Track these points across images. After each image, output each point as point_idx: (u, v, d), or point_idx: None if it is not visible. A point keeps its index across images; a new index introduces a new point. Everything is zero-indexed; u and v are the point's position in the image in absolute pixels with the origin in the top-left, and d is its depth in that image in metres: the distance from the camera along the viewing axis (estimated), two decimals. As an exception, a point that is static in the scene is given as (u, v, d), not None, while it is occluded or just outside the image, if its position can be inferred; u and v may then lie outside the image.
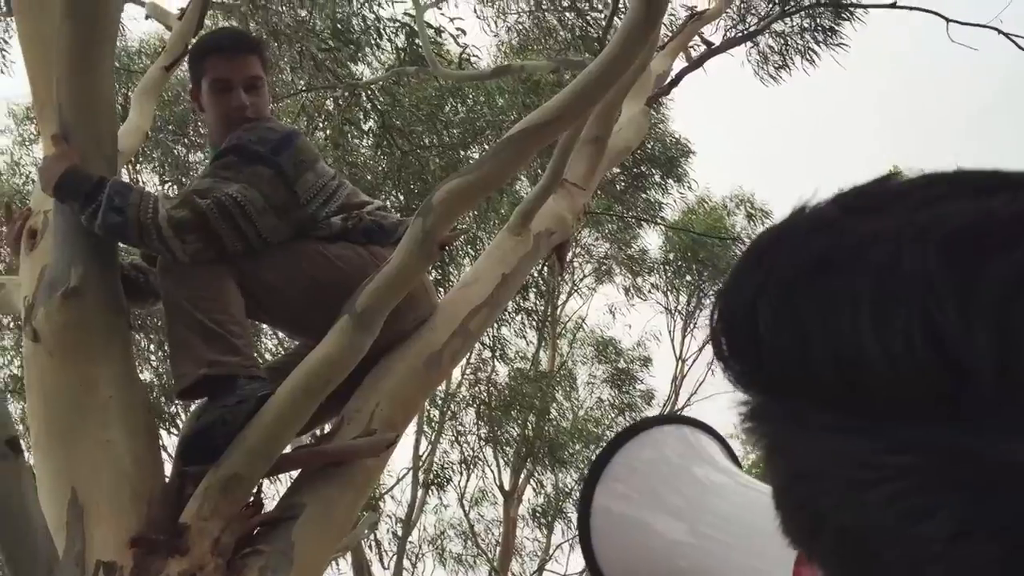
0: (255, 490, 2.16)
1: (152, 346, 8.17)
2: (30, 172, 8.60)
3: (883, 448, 0.36)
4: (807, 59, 7.33)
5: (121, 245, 2.35)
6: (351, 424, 2.30)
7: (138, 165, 7.75)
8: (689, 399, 12.71)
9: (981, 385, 0.34)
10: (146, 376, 8.12)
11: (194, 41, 3.26)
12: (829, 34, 7.21)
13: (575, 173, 3.25)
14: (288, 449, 2.23)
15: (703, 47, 5.43)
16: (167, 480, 2.13)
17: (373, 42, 5.69)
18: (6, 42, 7.32)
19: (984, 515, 0.34)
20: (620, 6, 5.38)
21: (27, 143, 9.50)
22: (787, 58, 7.37)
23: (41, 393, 2.15)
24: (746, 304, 0.40)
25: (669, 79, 4.42)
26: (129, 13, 7.37)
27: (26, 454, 1.81)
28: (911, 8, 6.01)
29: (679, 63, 4.87)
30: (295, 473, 2.33)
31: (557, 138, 2.63)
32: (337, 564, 10.53)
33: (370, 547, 10.60)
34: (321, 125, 6.34)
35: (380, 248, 2.36)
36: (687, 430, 0.74)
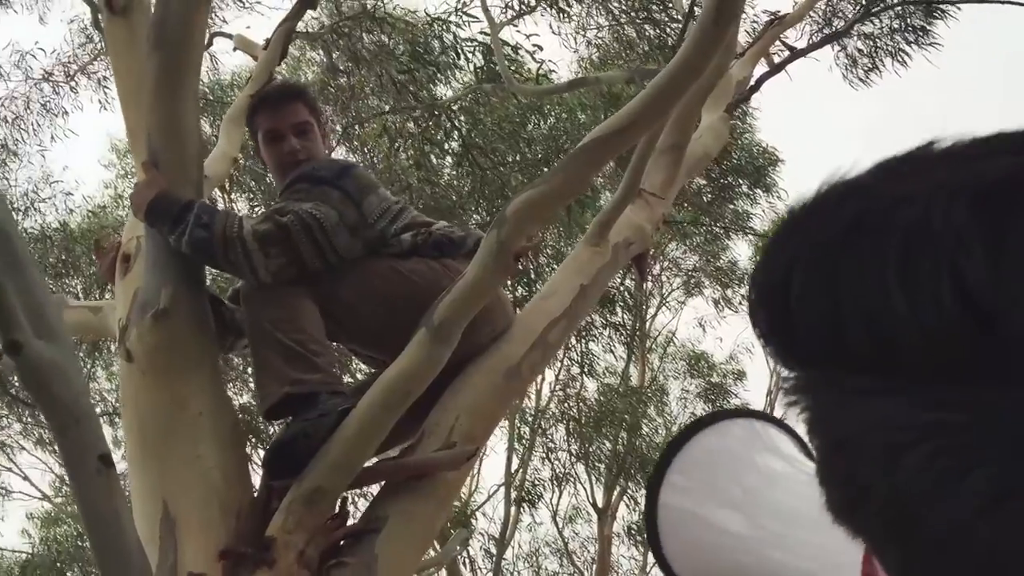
0: (339, 503, 2.20)
1: (249, 369, 8.41)
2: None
3: (919, 408, 0.35)
4: (898, 60, 7.10)
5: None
6: (431, 438, 2.31)
7: (232, 194, 8.01)
8: (786, 412, 12.39)
9: (1012, 338, 0.33)
10: (245, 398, 8.35)
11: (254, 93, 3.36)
12: (921, 34, 6.98)
13: (653, 182, 3.22)
14: (370, 463, 2.26)
15: (787, 52, 5.33)
16: (255, 494, 2.18)
17: (452, 62, 5.77)
18: (107, 78, 7.68)
19: (1019, 472, 0.33)
20: (695, 15, 5.33)
21: (129, 176, 9.94)
22: (877, 60, 7.16)
23: (135, 411, 2.23)
24: (779, 275, 0.39)
25: (750, 85, 4.35)
26: (220, 47, 7.65)
27: (119, 469, 1.88)
28: (1005, 1, 5.78)
29: (761, 69, 4.79)
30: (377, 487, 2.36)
31: (632, 146, 2.61)
32: (431, 582, 10.61)
33: (464, 564, 10.65)
34: (403, 147, 6.45)
35: (453, 262, 2.39)
36: (756, 423, 0.72)
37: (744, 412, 0.73)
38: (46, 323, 1.77)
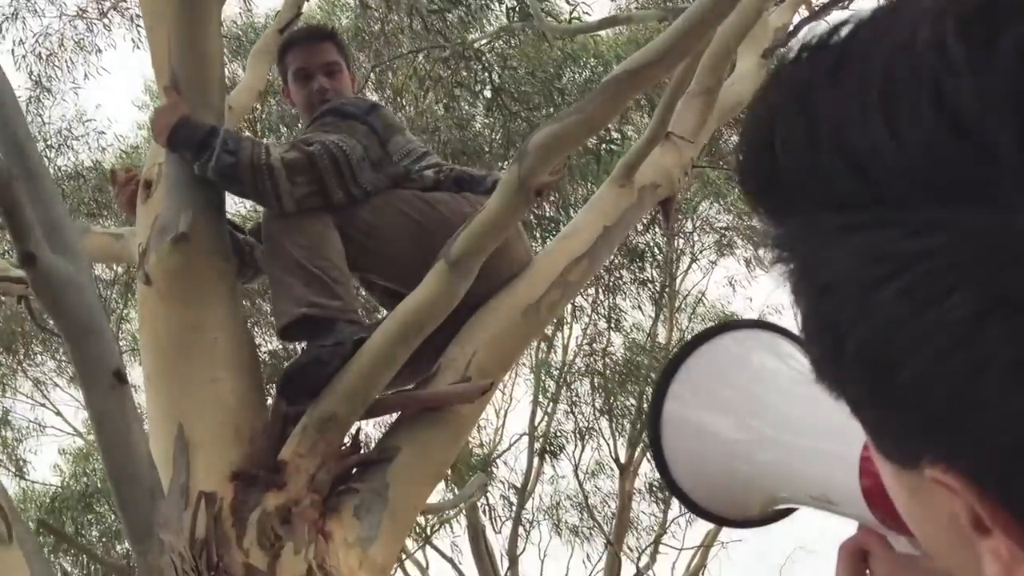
0: (353, 432, 2.21)
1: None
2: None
3: (898, 239, 0.33)
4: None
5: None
6: (447, 371, 2.31)
7: (259, 135, 8.01)
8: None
9: (997, 156, 0.31)
10: (272, 344, 8.42)
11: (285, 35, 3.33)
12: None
13: (683, 127, 3.15)
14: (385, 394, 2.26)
15: None
16: (268, 419, 2.19)
17: (484, 3, 5.68)
18: (138, 15, 7.68)
19: (1002, 292, 0.31)
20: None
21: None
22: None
23: (152, 334, 2.24)
24: (763, 125, 0.38)
25: (788, 30, 4.24)
26: (253, -12, 7.59)
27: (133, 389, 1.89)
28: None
29: (801, 16, 4.66)
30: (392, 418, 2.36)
31: (659, 83, 2.55)
32: (451, 527, 10.75)
33: (484, 512, 10.76)
34: (433, 89, 6.39)
35: (474, 196, 2.39)
36: (762, 332, 0.69)
37: (753, 322, 0.71)
38: (62, 238, 1.77)
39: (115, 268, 7.79)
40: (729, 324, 0.71)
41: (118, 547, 9.42)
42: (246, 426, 2.10)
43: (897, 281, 0.34)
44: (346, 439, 2.19)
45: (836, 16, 0.40)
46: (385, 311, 2.60)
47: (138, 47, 8.02)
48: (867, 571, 0.59)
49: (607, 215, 2.76)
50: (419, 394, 2.25)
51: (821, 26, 0.39)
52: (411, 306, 2.15)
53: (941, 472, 0.36)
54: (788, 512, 0.67)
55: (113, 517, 9.65)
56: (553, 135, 2.17)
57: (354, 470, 2.14)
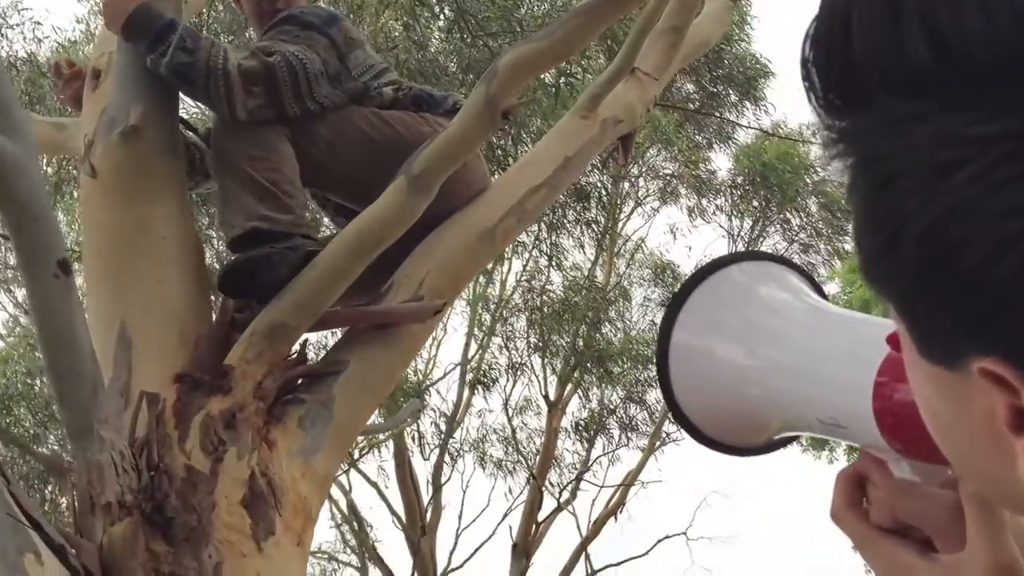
0: (301, 344, 2.18)
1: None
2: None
3: (978, 119, 0.33)
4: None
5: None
6: (400, 289, 2.28)
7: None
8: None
9: None
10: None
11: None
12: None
13: (649, 63, 3.13)
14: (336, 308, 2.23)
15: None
16: (215, 323, 2.14)
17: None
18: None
19: None
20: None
21: (101, 12, 9.57)
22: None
23: (96, 229, 2.17)
24: (841, 8, 0.38)
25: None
26: None
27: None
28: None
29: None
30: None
31: (631, 15, 2.52)
32: (379, 451, 10.81)
33: (412, 439, 10.84)
34: (393, 4, 6.22)
35: (433, 116, 2.34)
36: (771, 264, 0.69)
37: (760, 254, 0.71)
38: (11, 120, 1.68)
39: (46, 166, 7.50)
40: (737, 255, 0.71)
41: (39, 449, 9.26)
42: (191, 329, 2.06)
43: (971, 165, 0.33)
44: (293, 349, 2.16)
45: None
46: (337, 228, 2.56)
47: (80, -64, 7.62)
48: (863, 498, 0.59)
49: (568, 145, 2.74)
50: (371, 310, 2.22)
51: None
52: (368, 220, 2.12)
53: (992, 363, 0.36)
54: (789, 441, 0.67)
55: (32, 420, 9.47)
56: (524, 56, 2.14)
57: (300, 381, 2.12)
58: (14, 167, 1.63)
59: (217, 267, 7.91)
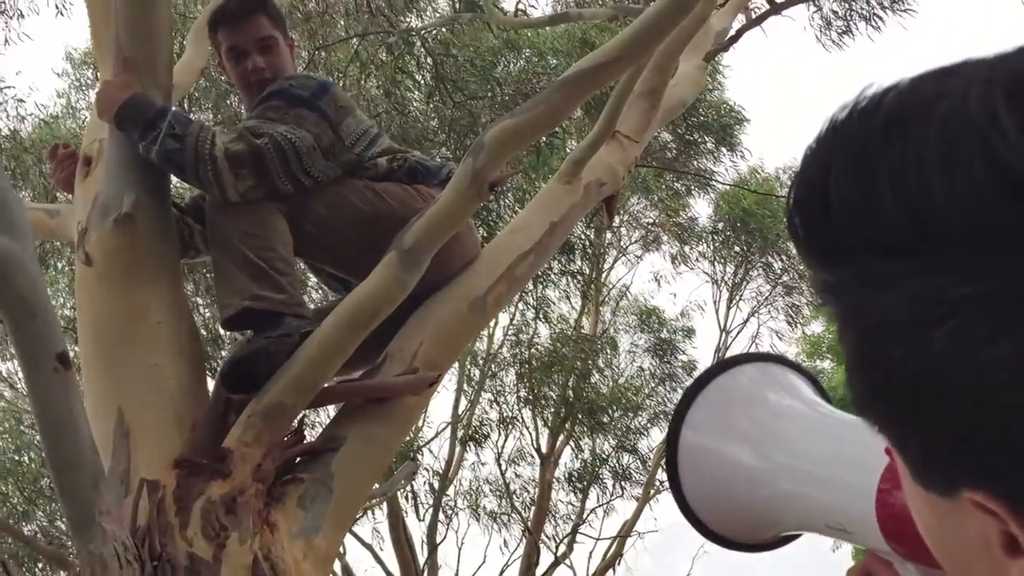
0: (297, 421, 2.19)
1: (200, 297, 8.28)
2: (86, 116, 8.74)
3: (950, 284, 0.37)
4: (872, 25, 7.13)
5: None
6: (394, 362, 2.30)
7: (193, 108, 7.81)
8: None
9: None
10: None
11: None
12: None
13: (628, 125, 3.19)
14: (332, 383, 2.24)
15: (766, 6, 5.30)
16: (212, 406, 2.15)
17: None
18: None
19: None
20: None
21: (83, 87, 9.63)
22: (851, 23, 7.17)
23: (91, 316, 2.18)
24: (818, 174, 0.41)
25: (728, 36, 4.33)
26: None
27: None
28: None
29: (740, 22, 4.75)
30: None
31: (611, 85, 2.58)
32: (373, 513, 10.69)
33: (406, 498, 10.73)
34: (374, 73, 6.31)
35: (426, 188, 2.37)
36: (773, 366, 0.72)
37: (765, 356, 0.73)
38: (7, 215, 1.70)
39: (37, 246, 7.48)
40: (744, 357, 0.73)
41: (26, 528, 9.10)
42: (188, 413, 2.06)
43: (950, 321, 0.37)
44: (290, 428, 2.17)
45: (877, 78, 0.43)
46: (331, 293, 2.57)
47: (61, 13, 7.73)
48: None
49: (553, 211, 2.78)
50: (366, 384, 2.24)
51: (871, 87, 0.42)
52: (361, 296, 2.14)
53: (983, 497, 0.38)
54: (795, 537, 0.69)
55: (20, 496, 9.33)
56: (510, 129, 2.19)
57: (298, 460, 2.12)
58: (12, 263, 1.65)
59: (205, 333, 7.89)
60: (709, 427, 0.70)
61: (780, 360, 0.72)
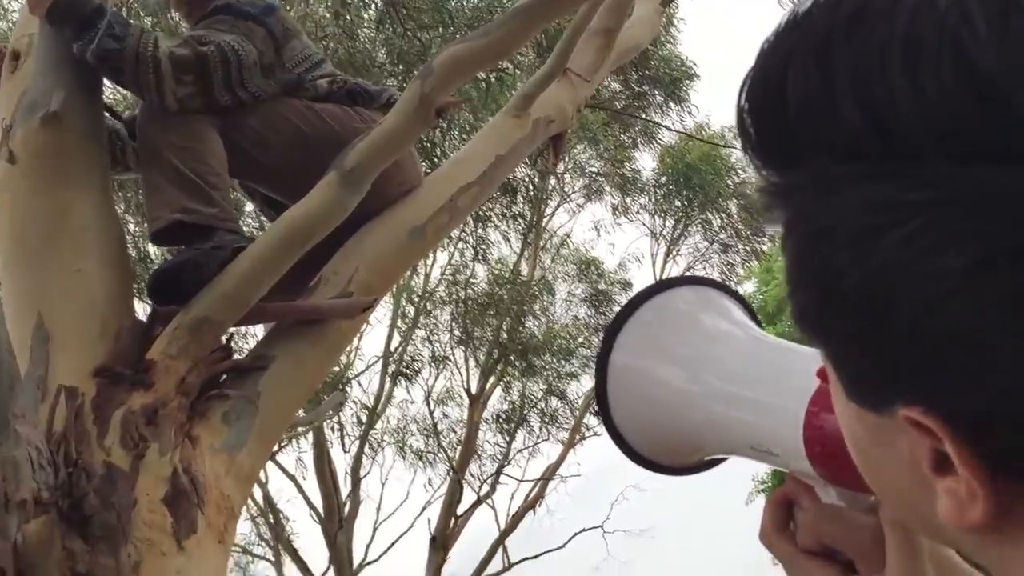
0: (225, 338, 2.14)
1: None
2: (15, 16, 8.31)
3: (907, 189, 0.35)
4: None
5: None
6: (328, 285, 2.26)
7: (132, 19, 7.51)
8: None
9: (1012, 115, 0.33)
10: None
11: None
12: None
13: (580, 64, 3.16)
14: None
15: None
16: (136, 317, 2.09)
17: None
18: None
19: (1008, 243, 0.33)
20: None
21: (18, -13, 9.19)
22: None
23: (13, 215, 2.09)
24: (776, 69, 0.39)
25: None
26: None
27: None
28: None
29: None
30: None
31: (566, 21, 2.54)
32: (298, 443, 10.68)
33: (332, 430, 10.73)
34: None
35: (367, 111, 2.33)
36: (709, 289, 0.71)
37: (700, 279, 0.72)
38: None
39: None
40: (678, 280, 0.72)
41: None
42: (112, 321, 2.00)
43: (901, 228, 0.35)
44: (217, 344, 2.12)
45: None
46: (265, 219, 2.51)
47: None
48: (791, 521, 0.61)
49: (500, 144, 2.75)
50: (299, 305, 2.20)
51: None
52: (298, 214, 2.09)
53: (918, 414, 0.37)
54: (718, 462, 0.69)
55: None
56: (460, 54, 2.14)
57: (225, 376, 2.08)
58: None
59: (134, 253, 7.69)
60: (640, 348, 0.69)
61: (715, 284, 0.72)
